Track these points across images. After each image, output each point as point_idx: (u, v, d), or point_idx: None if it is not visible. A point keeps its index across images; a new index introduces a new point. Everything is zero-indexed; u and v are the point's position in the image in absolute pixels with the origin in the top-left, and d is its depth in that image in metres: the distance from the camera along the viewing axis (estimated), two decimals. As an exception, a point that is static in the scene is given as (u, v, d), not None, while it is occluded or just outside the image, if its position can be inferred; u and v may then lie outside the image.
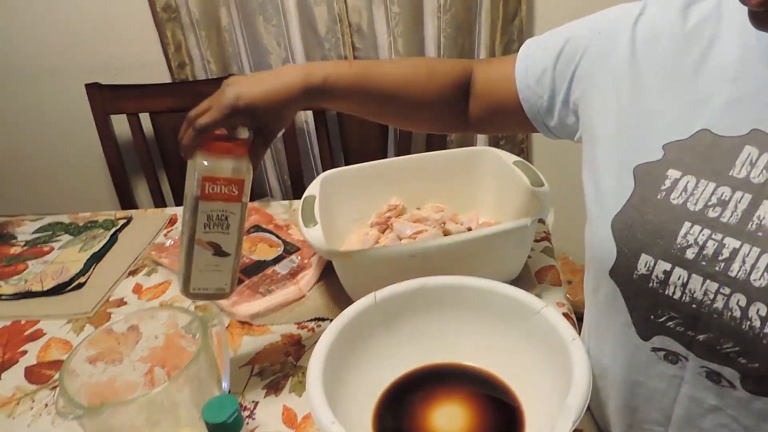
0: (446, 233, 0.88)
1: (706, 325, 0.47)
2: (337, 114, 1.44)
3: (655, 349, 0.52)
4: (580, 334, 0.79)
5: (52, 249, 1.11)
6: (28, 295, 0.96)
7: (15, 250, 1.12)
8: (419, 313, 0.66)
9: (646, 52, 0.55)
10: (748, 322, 0.44)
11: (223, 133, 0.59)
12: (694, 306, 0.47)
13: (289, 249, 1.01)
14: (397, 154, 1.50)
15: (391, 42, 1.42)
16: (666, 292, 0.49)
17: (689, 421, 0.52)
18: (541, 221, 0.90)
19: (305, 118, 1.56)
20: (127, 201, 1.59)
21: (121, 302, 0.93)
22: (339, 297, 0.84)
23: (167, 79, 1.59)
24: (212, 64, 1.53)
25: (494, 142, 1.56)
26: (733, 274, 0.45)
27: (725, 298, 0.45)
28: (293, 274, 0.93)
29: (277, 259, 0.98)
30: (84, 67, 1.61)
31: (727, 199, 0.47)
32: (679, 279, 0.48)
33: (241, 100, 0.57)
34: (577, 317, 0.78)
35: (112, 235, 1.13)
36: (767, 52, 0.48)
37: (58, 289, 0.96)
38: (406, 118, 0.72)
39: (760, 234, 0.44)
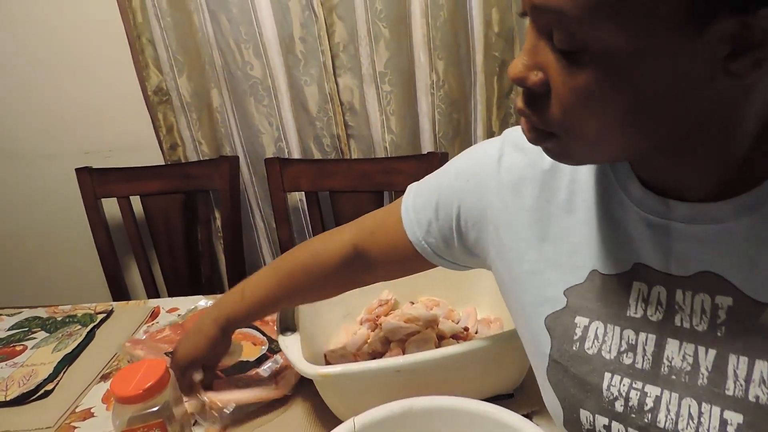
0: (440, 335, 0.80)
1: None
2: (330, 193, 1.39)
3: None
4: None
5: (25, 348, 1.05)
6: (-10, 405, 0.89)
7: (-13, 349, 1.06)
8: (405, 441, 0.58)
9: (515, 199, 0.52)
10: None
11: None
12: None
13: (274, 348, 0.93)
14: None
15: (384, 120, 1.40)
16: None
17: None
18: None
19: (299, 197, 1.51)
20: (117, 287, 1.53)
21: (88, 413, 0.85)
22: (322, 410, 0.76)
23: (160, 161, 1.56)
24: (203, 146, 1.50)
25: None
26: (661, 425, 0.41)
27: None
28: (275, 375, 0.86)
29: (261, 360, 0.91)
30: (77, 150, 1.59)
31: (633, 342, 0.44)
32: None
33: (173, 361, 0.76)
34: None
35: (89, 332, 1.07)
36: (624, 181, 0.45)
37: (22, 399, 0.89)
38: (306, 302, 0.79)
39: (673, 377, 0.41)
